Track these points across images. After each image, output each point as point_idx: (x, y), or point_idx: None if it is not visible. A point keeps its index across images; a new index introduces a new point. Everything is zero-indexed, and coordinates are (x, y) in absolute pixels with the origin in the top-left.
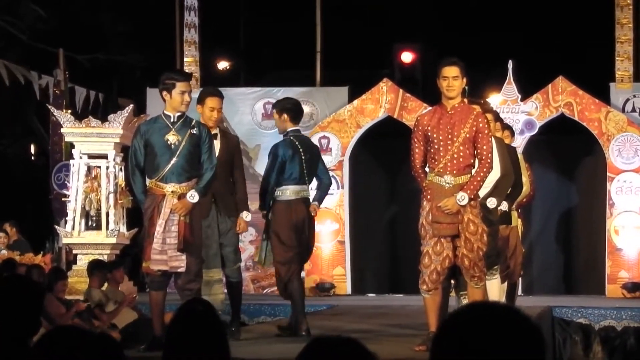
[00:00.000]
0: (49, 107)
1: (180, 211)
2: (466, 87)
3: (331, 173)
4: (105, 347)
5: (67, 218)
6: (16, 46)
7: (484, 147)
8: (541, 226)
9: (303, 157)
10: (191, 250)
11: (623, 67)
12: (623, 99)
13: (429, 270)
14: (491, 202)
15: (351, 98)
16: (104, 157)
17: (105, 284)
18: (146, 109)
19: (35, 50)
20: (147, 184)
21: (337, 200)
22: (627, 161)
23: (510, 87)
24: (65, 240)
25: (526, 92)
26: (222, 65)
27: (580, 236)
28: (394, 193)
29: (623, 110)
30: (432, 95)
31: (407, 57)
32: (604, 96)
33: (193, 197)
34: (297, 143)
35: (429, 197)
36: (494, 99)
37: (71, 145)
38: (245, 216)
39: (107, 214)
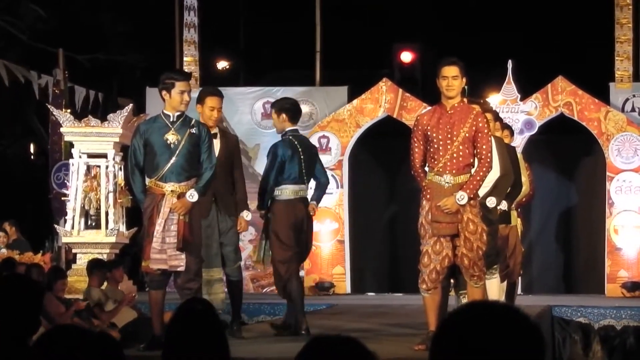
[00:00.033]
0: (49, 106)
1: (180, 210)
2: (466, 87)
3: (331, 172)
4: (104, 346)
5: (66, 217)
6: (16, 46)
7: (484, 147)
8: (541, 225)
9: (302, 157)
10: (190, 249)
11: (622, 67)
12: (622, 99)
13: (428, 270)
14: (491, 202)
15: (351, 98)
16: (104, 156)
17: (105, 283)
18: (146, 108)
19: (35, 50)
20: (147, 184)
21: (337, 199)
22: (626, 161)
23: (509, 87)
24: (64, 240)
25: (526, 92)
26: (222, 64)
27: (580, 235)
28: (394, 192)
29: (622, 110)
30: (431, 95)
31: (406, 56)
32: (603, 96)
33: (192, 196)
34: (296, 143)
35: (428, 196)
36: (494, 99)
37: (71, 145)
38: (246, 215)
39: (107, 213)
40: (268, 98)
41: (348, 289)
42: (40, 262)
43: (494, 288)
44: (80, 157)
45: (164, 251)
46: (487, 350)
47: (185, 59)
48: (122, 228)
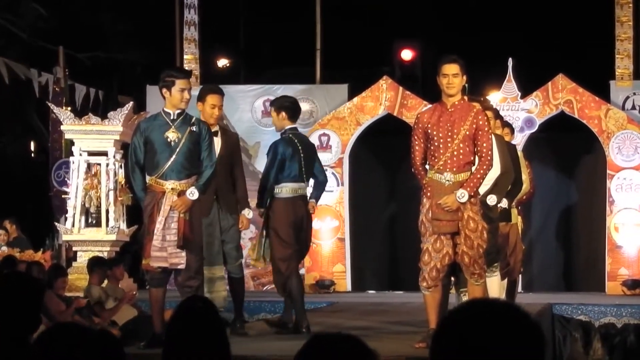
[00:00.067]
0: (49, 104)
1: (180, 208)
2: (466, 85)
3: (331, 170)
4: (105, 344)
5: (67, 215)
6: (16, 44)
7: (484, 145)
8: (541, 223)
9: (302, 155)
10: (191, 247)
11: (623, 64)
12: (623, 97)
13: (428, 268)
14: (491, 200)
15: (351, 95)
16: (104, 154)
17: (105, 281)
18: (146, 106)
19: (36, 48)
20: (147, 181)
21: (337, 197)
22: (627, 159)
23: (510, 85)
24: (65, 237)
25: (526, 90)
26: (222, 62)
27: (580, 233)
28: (394, 191)
29: (623, 108)
30: (432, 92)
31: (407, 54)
32: (604, 94)
33: (193, 194)
34: (296, 141)
35: (428, 194)
36: (494, 97)
37: (71, 143)
38: (247, 214)
39: (107, 211)
40: (268, 96)
41: (348, 287)
42: (40, 259)
43: (495, 286)
44: (80, 155)
45: (165, 249)
46: (488, 348)
47: (185, 56)
48: (123, 226)
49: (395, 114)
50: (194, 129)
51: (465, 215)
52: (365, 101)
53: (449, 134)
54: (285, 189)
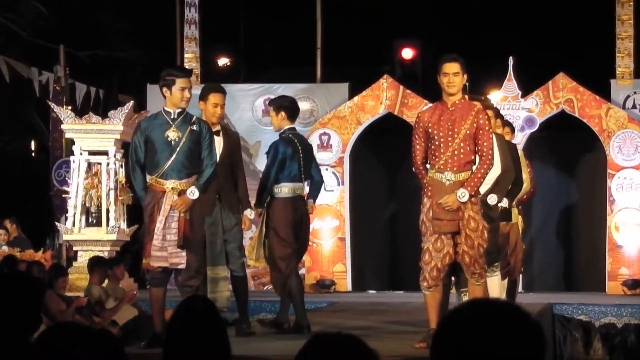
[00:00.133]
0: (49, 103)
1: (180, 208)
2: (467, 84)
3: (332, 170)
4: (105, 343)
5: (67, 215)
6: (17, 43)
7: (485, 144)
8: (541, 223)
9: (301, 155)
10: (191, 246)
11: (624, 63)
12: (624, 96)
13: (429, 267)
14: (492, 199)
15: (351, 94)
16: (104, 153)
17: (106, 281)
18: (146, 105)
19: (36, 46)
20: (148, 181)
21: (338, 196)
22: (627, 158)
23: (510, 84)
24: (65, 237)
25: (527, 89)
26: (223, 61)
27: (581, 233)
28: (395, 190)
29: (623, 107)
30: (432, 91)
31: (407, 53)
32: (604, 93)
33: (193, 193)
34: (295, 141)
35: (429, 193)
36: (495, 96)
37: (71, 142)
38: (249, 214)
39: (108, 211)
40: (269, 95)
41: (349, 287)
42: (41, 259)
43: (495, 286)
44: (81, 154)
45: (165, 249)
46: (488, 348)
47: (186, 55)
48: (123, 225)
49: (395, 113)
50: (195, 128)
51: (465, 215)
52: (365, 100)
53: (450, 133)
54: (284, 189)
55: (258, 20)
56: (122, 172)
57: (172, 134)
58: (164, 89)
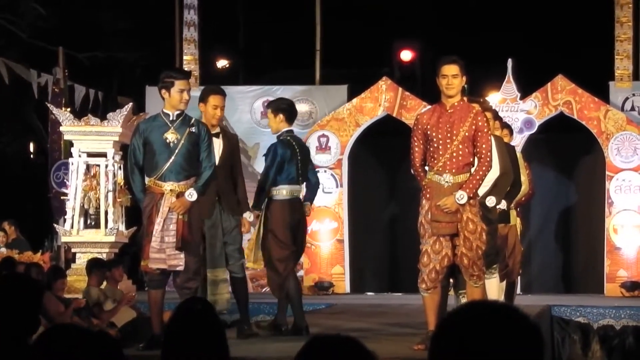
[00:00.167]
0: (48, 105)
1: (179, 210)
2: (466, 86)
3: (330, 171)
4: (104, 345)
5: (66, 216)
6: (16, 44)
7: (483, 146)
8: (540, 225)
9: (299, 158)
10: (189, 248)
11: (622, 65)
12: (622, 98)
13: (427, 269)
14: (490, 201)
15: (350, 96)
16: (103, 155)
17: (104, 283)
18: (145, 107)
19: (35, 48)
20: (146, 183)
21: (336, 198)
22: (626, 160)
23: (509, 86)
24: (64, 239)
25: (525, 91)
26: (222, 63)
27: (579, 235)
28: (393, 192)
29: (622, 109)
30: (431, 93)
31: (406, 55)
32: (603, 95)
33: (191, 195)
34: (294, 143)
35: (428, 195)
36: (493, 98)
37: (70, 144)
38: (249, 216)
39: (106, 213)
40: (268, 97)
41: (347, 289)
42: (39, 261)
43: (493, 287)
44: (79, 156)
45: (163, 250)
46: (487, 350)
47: (185, 57)
48: (122, 227)
49: (394, 114)
50: (193, 130)
51: (464, 217)
52: (364, 102)
53: (449, 135)
54: (282, 191)
55: (257, 23)
56: (120, 174)
57: (170, 136)
58: (163, 91)
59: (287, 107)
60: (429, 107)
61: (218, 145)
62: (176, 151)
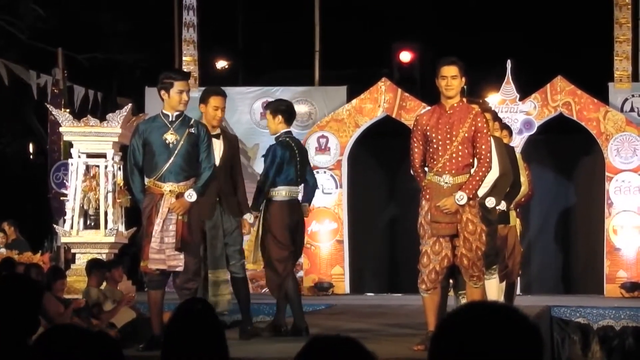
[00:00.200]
0: (48, 106)
1: (178, 210)
2: (465, 87)
3: (330, 172)
4: (103, 346)
5: (65, 217)
6: (15, 45)
7: (483, 147)
8: (540, 226)
9: (298, 159)
10: (189, 249)
11: (622, 66)
12: (622, 99)
13: (427, 270)
14: (490, 202)
15: (350, 97)
16: (103, 156)
17: (104, 283)
18: (145, 108)
19: (35, 49)
20: (146, 183)
21: (336, 199)
22: (625, 161)
23: (508, 87)
24: (63, 240)
25: (525, 92)
26: (221, 64)
27: (579, 236)
28: (393, 193)
29: (621, 110)
30: (430, 94)
31: (405, 56)
32: (602, 96)
33: (191, 196)
34: (293, 145)
35: (427, 196)
36: (493, 99)
37: (70, 145)
38: (249, 218)
39: (106, 213)
40: (267, 98)
41: (347, 289)
42: (39, 262)
43: (493, 288)
44: (79, 156)
45: (163, 251)
46: (486, 351)
47: (184, 58)
48: (121, 228)
49: (394, 115)
50: (193, 131)
51: (464, 218)
52: (364, 103)
53: (448, 136)
54: (281, 192)
55: (256, 23)
56: (120, 175)
57: (170, 137)
58: (162, 92)
59: (286, 108)
60: (429, 108)
61: (219, 146)
62: (175, 152)
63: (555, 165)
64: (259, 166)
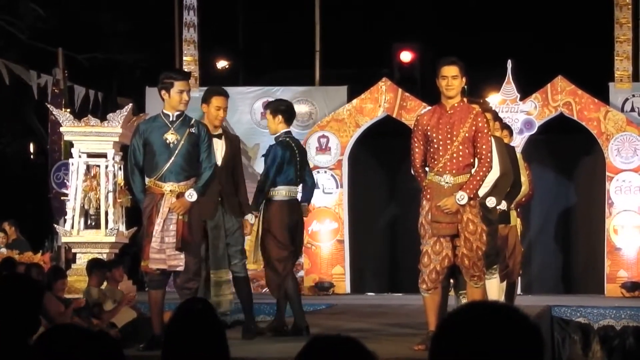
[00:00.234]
0: (48, 106)
1: (179, 210)
2: (465, 87)
3: (330, 172)
4: (104, 345)
5: (66, 217)
6: (15, 45)
7: (484, 147)
8: (540, 225)
9: (298, 159)
10: (189, 249)
11: (622, 66)
12: (622, 99)
13: (428, 270)
14: (490, 202)
15: (350, 97)
16: (103, 156)
17: (105, 283)
18: (145, 108)
19: (35, 49)
20: (146, 183)
21: (336, 199)
22: (626, 161)
23: (509, 87)
24: (64, 239)
25: (525, 92)
26: (221, 64)
27: (579, 235)
28: (393, 192)
29: (622, 110)
30: (431, 94)
31: (406, 56)
32: (603, 96)
33: (191, 196)
34: (293, 145)
35: (428, 196)
36: (493, 99)
37: (70, 144)
38: (250, 219)
39: (106, 213)
40: (268, 98)
41: (348, 289)
42: (40, 261)
43: (494, 288)
44: (79, 156)
45: (163, 251)
46: (487, 351)
47: (184, 58)
48: (122, 228)
49: (394, 115)
50: (193, 131)
51: (464, 218)
52: (364, 103)
53: (449, 136)
54: (281, 192)
55: (257, 23)
56: (120, 175)
57: (170, 137)
58: (163, 92)
59: (286, 108)
60: (429, 108)
61: (220, 146)
62: (176, 152)
63: (555, 165)
64: (259, 166)
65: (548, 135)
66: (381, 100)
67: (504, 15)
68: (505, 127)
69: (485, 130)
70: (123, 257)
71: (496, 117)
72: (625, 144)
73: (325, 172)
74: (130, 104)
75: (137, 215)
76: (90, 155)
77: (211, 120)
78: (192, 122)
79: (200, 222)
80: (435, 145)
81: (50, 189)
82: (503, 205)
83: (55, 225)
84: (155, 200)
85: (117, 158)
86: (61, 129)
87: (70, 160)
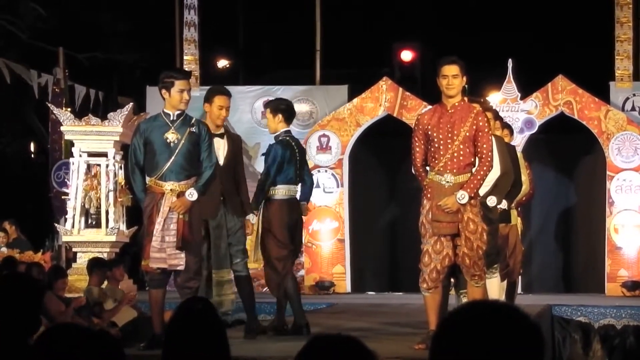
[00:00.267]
0: (49, 105)
1: (179, 209)
2: (466, 86)
3: (331, 171)
4: (104, 344)
5: (66, 216)
6: (16, 45)
7: (484, 146)
8: (541, 225)
9: (298, 158)
10: (190, 248)
11: (623, 66)
12: (623, 98)
13: (428, 269)
14: (491, 201)
15: (351, 96)
16: (104, 155)
17: (105, 282)
18: (146, 107)
19: (35, 49)
20: (147, 182)
21: (337, 198)
22: (626, 160)
23: (510, 86)
24: (65, 238)
25: (526, 91)
26: (222, 63)
27: (580, 235)
28: (394, 192)
29: (623, 109)
30: (431, 94)
31: (406, 55)
32: (603, 95)
33: (192, 195)
34: (293, 144)
35: (429, 195)
36: (494, 98)
37: (71, 144)
38: (252, 218)
39: (107, 212)
40: (268, 97)
41: (348, 288)
42: (40, 261)
43: (494, 287)
44: (80, 155)
45: (164, 250)
46: (487, 350)
47: (185, 57)
48: (122, 227)
49: (395, 115)
50: (194, 130)
51: (465, 217)
52: (365, 102)
53: (449, 135)
54: (281, 191)
55: (257, 23)
56: (121, 174)
57: (171, 136)
58: (163, 91)
59: (286, 107)
60: (430, 107)
61: (222, 145)
62: (177, 151)
63: (556, 164)
64: (260, 165)
65: (548, 134)
66: (382, 99)
67: (504, 15)
68: (506, 126)
69: (486, 130)
70: (123, 256)
71: (497, 116)
72: (626, 143)
73: (326, 171)
74: (131, 103)
75: (137, 215)
76: (91, 154)
77: (213, 119)
78: (193, 121)
79: (201, 221)
80: (436, 145)
81: (51, 188)
82: (504, 205)
83: (56, 225)
84: (156, 199)
85: (118, 157)
86: (62, 128)
87: (71, 160)
